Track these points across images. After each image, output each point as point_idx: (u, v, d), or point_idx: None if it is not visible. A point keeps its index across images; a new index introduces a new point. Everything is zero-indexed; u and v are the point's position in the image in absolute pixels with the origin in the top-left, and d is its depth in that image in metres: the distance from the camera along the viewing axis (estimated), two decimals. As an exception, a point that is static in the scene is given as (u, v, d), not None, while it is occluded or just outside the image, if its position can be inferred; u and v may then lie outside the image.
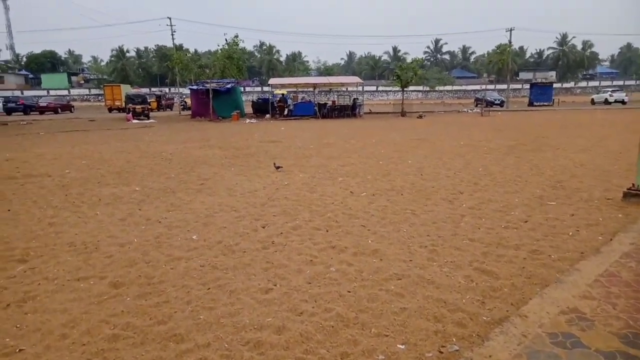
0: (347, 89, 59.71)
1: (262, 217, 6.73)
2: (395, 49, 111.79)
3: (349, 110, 33.17)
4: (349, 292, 4.16)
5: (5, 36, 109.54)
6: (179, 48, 45.06)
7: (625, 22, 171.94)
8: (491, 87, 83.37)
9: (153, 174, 10.57)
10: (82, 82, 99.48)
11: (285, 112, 34.08)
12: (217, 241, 5.65)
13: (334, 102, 36.62)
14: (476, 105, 46.77)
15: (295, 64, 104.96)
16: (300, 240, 5.62)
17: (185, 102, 48.02)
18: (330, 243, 5.49)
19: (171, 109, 51.31)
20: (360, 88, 38.46)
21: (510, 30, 43.52)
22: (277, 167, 11.45)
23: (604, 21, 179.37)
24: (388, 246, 5.34)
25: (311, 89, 44.22)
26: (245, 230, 6.11)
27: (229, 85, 32.98)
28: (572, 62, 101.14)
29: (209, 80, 32.46)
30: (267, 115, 32.72)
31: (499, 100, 45.02)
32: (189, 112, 37.56)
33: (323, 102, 36.24)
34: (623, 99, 43.20)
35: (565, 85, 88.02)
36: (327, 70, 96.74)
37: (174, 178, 10.08)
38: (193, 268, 4.79)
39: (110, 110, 42.94)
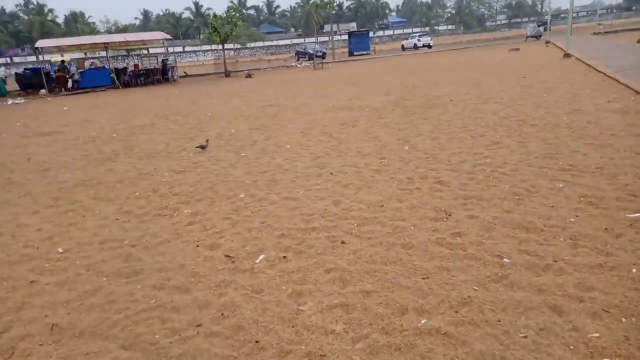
0: (148, 50, 50.39)
1: None
2: (197, 4, 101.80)
3: (160, 75, 26.31)
4: None
5: None
6: None
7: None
8: (300, 40, 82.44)
9: None
10: None
11: (70, 85, 25.33)
12: None
13: (136, 66, 28.77)
14: (298, 59, 44.15)
15: (78, 26, 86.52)
16: None
17: None
18: None
19: None
20: (168, 48, 31.10)
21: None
22: (202, 146, 7.54)
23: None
24: None
25: (103, 53, 34.84)
26: None
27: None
28: (369, 12, 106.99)
29: None
30: (43, 91, 23.62)
31: (320, 52, 42.93)
32: None
33: (122, 67, 28.28)
34: (429, 44, 45.47)
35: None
36: (120, 32, 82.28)
37: None
38: None
39: None
